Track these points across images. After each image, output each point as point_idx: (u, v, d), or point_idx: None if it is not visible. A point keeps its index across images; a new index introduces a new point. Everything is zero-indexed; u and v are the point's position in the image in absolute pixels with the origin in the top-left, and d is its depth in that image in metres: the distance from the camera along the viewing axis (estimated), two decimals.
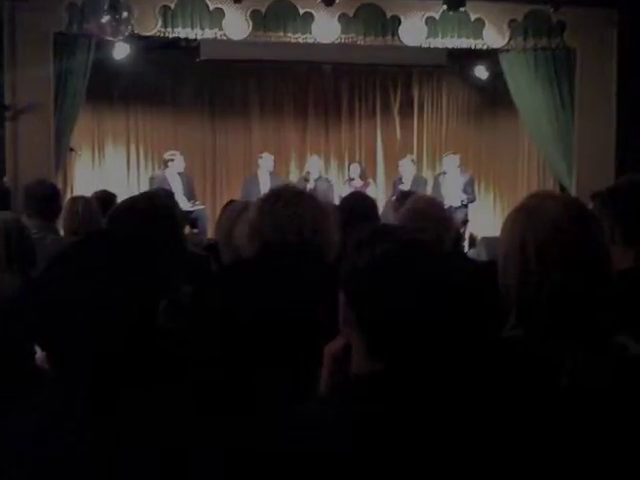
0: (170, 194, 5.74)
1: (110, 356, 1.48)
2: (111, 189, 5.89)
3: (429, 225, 2.84)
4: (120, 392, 1.45)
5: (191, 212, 8.46)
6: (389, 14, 8.11)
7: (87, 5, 7.35)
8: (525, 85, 8.57)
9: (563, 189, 8.59)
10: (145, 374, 1.51)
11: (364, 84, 10.62)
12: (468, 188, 9.04)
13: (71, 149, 8.29)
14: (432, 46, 8.41)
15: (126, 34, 7.27)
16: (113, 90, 9.64)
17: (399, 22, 8.14)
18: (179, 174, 8.80)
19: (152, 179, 8.97)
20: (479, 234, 8.92)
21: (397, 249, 1.24)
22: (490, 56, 8.97)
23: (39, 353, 1.96)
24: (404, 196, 4.58)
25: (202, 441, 1.53)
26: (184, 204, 8.10)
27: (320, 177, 9.40)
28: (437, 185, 9.19)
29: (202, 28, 7.86)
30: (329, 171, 10.46)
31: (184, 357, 1.73)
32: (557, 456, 1.29)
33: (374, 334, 1.22)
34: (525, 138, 9.64)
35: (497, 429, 1.21)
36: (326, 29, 8.04)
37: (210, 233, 8.12)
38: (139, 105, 9.92)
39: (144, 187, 9.21)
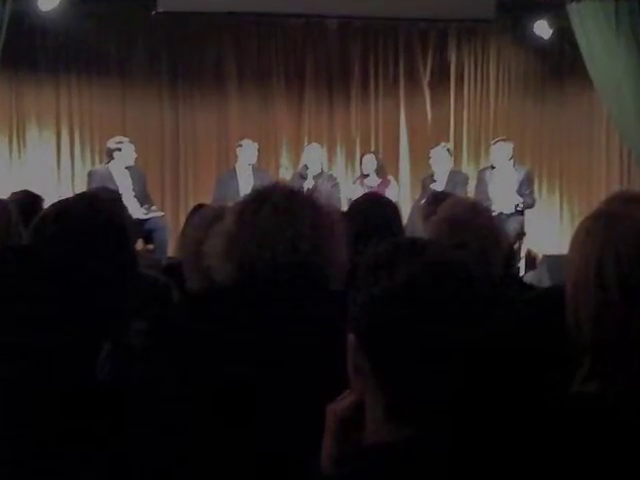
0: (116, 196, 5.75)
1: (28, 426, 1.48)
2: (35, 189, 5.89)
3: (471, 239, 2.84)
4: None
5: (145, 221, 8.47)
6: None
7: None
8: (602, 46, 8.59)
9: None
10: (77, 454, 1.50)
11: (382, 46, 10.64)
12: (525, 188, 9.04)
13: None
14: None
15: None
16: (38, 54, 9.65)
17: None
18: (128, 169, 8.81)
19: (91, 175, 8.98)
20: (540, 251, 8.91)
21: (427, 272, 1.24)
22: (555, 7, 9.00)
23: None
24: (437, 199, 4.59)
25: None
26: (135, 210, 8.11)
27: (322, 173, 9.41)
28: (482, 184, 9.19)
29: None
30: (334, 165, 10.48)
31: (133, 425, 1.73)
32: None
33: (397, 389, 1.22)
34: (602, 118, 9.66)
35: None
36: None
37: (171, 250, 8.12)
38: (73, 75, 9.93)
39: (81, 187, 9.21)
